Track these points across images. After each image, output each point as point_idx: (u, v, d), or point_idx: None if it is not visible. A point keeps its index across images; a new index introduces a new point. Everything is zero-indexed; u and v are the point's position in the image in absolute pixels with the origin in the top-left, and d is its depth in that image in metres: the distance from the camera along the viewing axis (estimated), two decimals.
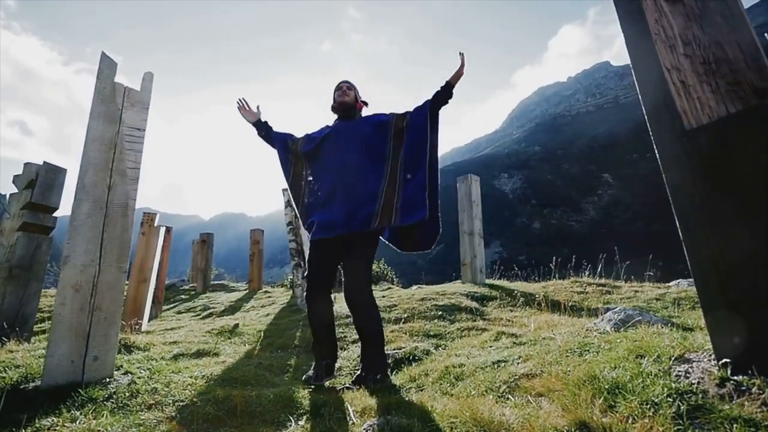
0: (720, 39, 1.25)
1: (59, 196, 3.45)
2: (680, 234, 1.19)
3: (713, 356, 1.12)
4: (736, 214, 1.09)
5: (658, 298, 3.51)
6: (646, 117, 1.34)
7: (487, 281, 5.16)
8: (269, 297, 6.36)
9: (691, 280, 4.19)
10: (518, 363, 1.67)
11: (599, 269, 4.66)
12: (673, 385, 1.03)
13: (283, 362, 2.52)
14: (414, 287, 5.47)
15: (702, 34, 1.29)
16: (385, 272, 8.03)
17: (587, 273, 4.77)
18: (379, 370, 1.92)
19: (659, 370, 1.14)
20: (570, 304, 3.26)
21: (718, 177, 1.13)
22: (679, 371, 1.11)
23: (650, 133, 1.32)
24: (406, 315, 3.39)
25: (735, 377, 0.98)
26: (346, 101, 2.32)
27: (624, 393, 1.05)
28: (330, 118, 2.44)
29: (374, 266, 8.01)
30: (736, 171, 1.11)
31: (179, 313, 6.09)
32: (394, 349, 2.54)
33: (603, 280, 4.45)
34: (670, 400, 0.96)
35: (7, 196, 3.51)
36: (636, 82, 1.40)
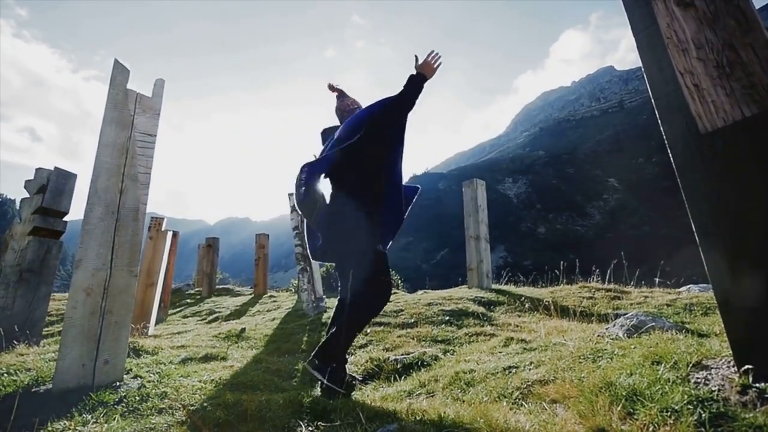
0: (733, 42, 1.25)
1: (69, 201, 3.49)
2: (697, 238, 1.18)
3: (732, 363, 1.10)
4: (754, 217, 1.08)
5: (669, 304, 3.46)
6: (659, 121, 1.33)
7: (494, 286, 5.12)
8: (275, 301, 6.36)
9: (703, 285, 4.14)
10: (530, 369, 1.64)
11: (608, 274, 4.60)
12: (693, 392, 1.01)
13: (290, 367, 2.51)
14: (420, 292, 5.45)
15: (715, 38, 1.28)
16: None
17: (595, 278, 4.72)
18: None
19: (677, 376, 1.12)
20: (579, 309, 3.22)
21: (735, 180, 1.12)
22: (697, 378, 1.09)
23: (664, 138, 1.31)
24: (412, 320, 3.37)
25: (757, 384, 0.96)
26: None
27: (642, 400, 1.03)
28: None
29: None
30: (752, 174, 1.10)
31: (185, 317, 6.10)
32: (402, 354, 2.52)
33: (612, 286, 4.40)
34: (691, 407, 0.95)
35: (17, 202, 3.56)
36: (648, 87, 1.39)
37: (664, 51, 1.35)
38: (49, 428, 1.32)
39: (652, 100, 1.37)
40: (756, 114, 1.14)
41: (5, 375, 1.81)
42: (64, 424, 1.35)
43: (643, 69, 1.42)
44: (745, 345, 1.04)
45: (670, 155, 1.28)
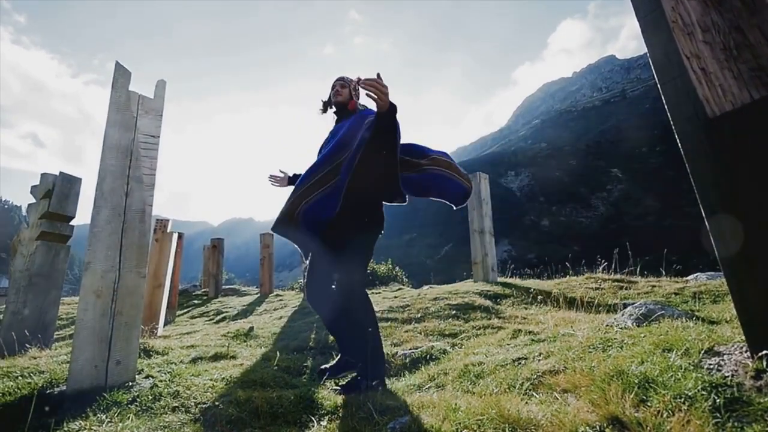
0: (740, 24, 1.23)
1: (75, 205, 3.52)
2: (706, 224, 1.16)
3: (745, 348, 1.10)
4: (764, 200, 1.07)
5: (677, 293, 3.44)
6: (666, 107, 1.32)
7: (499, 279, 5.12)
8: (281, 300, 6.39)
9: (710, 273, 4.11)
10: (539, 360, 1.64)
11: (614, 265, 4.58)
12: (706, 378, 1.00)
13: (299, 364, 2.52)
14: (425, 287, 5.45)
15: (721, 20, 1.26)
16: (395, 273, 8.01)
17: (601, 269, 4.70)
18: None
19: (689, 363, 1.11)
20: (586, 300, 3.21)
21: (745, 165, 1.11)
22: (710, 364, 1.09)
23: (671, 124, 1.29)
24: (419, 315, 3.38)
25: None
26: (339, 101, 2.22)
27: (655, 387, 1.02)
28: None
29: (383, 267, 8.00)
30: (763, 158, 1.09)
31: (192, 318, 6.15)
32: (410, 349, 2.53)
33: (618, 276, 4.38)
34: (705, 393, 0.94)
35: (23, 208, 3.59)
36: (654, 72, 1.37)
37: (670, 35, 1.33)
38: (65, 428, 1.34)
39: (658, 86, 1.35)
40: (764, 96, 1.12)
41: (20, 377, 1.83)
42: (80, 423, 1.37)
43: (648, 54, 1.40)
44: (759, 329, 1.03)
45: (678, 141, 1.26)
